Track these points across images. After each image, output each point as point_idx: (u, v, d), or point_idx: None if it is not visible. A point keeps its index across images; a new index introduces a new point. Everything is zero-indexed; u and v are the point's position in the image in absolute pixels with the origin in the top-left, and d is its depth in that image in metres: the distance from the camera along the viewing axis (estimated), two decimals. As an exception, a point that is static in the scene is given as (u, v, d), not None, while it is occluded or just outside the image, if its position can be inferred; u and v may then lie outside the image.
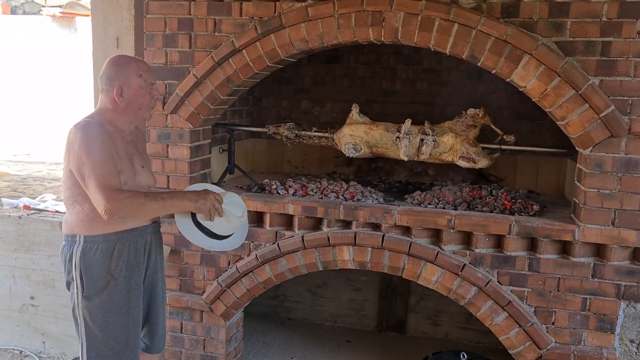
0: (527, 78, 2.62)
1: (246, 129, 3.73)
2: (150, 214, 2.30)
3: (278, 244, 3.02)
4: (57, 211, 3.77)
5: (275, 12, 2.87)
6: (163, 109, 3.06)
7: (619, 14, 2.51)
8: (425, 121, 3.19)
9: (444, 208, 3.00)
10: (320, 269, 3.03)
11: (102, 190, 2.12)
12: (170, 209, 2.30)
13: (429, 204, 3.12)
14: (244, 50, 2.93)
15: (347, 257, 2.96)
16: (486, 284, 2.78)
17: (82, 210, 2.29)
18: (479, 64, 2.71)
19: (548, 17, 2.58)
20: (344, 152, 3.27)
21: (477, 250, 2.81)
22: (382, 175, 4.06)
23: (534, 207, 3.09)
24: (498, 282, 2.79)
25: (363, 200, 3.15)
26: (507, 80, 2.73)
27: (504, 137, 3.11)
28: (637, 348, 2.76)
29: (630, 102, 2.55)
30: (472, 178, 3.92)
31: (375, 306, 4.15)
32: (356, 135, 3.21)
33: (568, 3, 2.56)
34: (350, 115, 3.29)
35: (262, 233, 3.08)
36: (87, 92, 3.92)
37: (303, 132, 3.38)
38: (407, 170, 4.05)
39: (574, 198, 2.85)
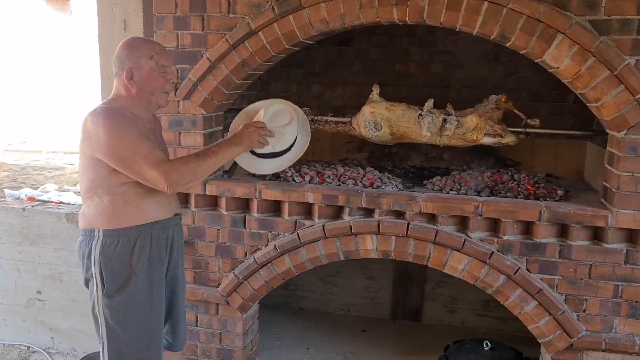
0: (559, 58, 2.52)
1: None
2: (209, 171, 2.23)
3: (298, 233, 2.92)
4: (61, 202, 3.64)
5: (293, -9, 2.73)
6: (175, 94, 2.92)
7: (657, -11, 2.41)
8: (448, 103, 3.09)
9: (466, 194, 2.91)
10: (342, 258, 2.93)
11: (155, 167, 2.06)
12: (224, 159, 2.27)
13: (451, 189, 3.04)
14: (260, 32, 2.80)
15: (370, 247, 2.86)
16: (515, 272, 2.70)
17: (101, 203, 2.17)
18: (508, 45, 2.60)
19: (582, -6, 2.48)
20: (363, 133, 3.15)
21: (505, 238, 2.72)
22: (395, 160, 3.96)
23: (559, 192, 3.02)
24: (527, 269, 2.71)
25: (383, 186, 3.05)
26: (536, 61, 2.63)
27: (528, 120, 3.00)
28: (669, 335, 2.70)
29: (668, 83, 2.45)
30: (489, 163, 3.84)
31: (390, 294, 4.07)
32: (377, 113, 3.09)
33: (603, -20, 2.45)
34: (371, 96, 3.17)
35: (281, 222, 2.97)
36: (84, 79, 3.78)
37: (319, 118, 3.26)
38: (421, 155, 3.95)
39: (604, 182, 2.76)
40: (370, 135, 3.13)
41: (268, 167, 2.47)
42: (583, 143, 3.62)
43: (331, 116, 3.28)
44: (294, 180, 3.12)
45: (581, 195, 3.07)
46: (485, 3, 2.53)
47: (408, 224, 2.79)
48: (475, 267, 2.75)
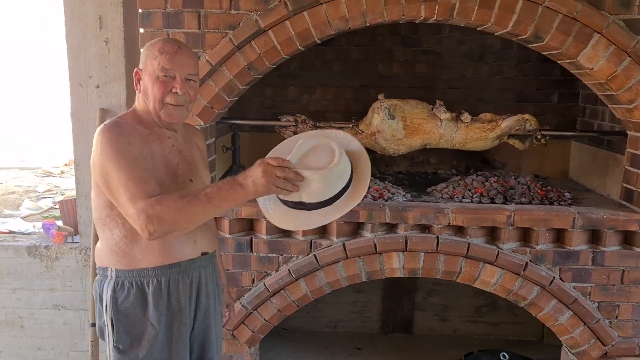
0: (595, 59, 2.42)
1: (255, 123, 3.25)
2: (197, 220, 1.65)
3: (315, 255, 2.62)
4: (10, 231, 3.08)
5: (307, -14, 2.43)
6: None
7: (690, -11, 2.37)
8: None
9: (493, 202, 2.77)
10: (364, 279, 2.68)
11: (134, 202, 1.59)
12: (222, 206, 1.62)
13: (463, 197, 2.88)
14: (270, 31, 2.47)
15: (396, 265, 2.63)
16: (550, 283, 2.58)
17: (111, 237, 1.79)
18: (541, 44, 2.47)
19: (616, -7, 2.39)
20: (374, 122, 2.93)
21: (537, 247, 2.60)
22: (380, 166, 3.76)
23: (566, 194, 2.96)
24: (560, 279, 2.61)
25: (393, 197, 2.84)
26: (568, 61, 2.52)
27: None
28: (695, 335, 2.71)
29: (699, 83, 2.43)
30: (476, 165, 3.75)
31: (379, 307, 3.87)
32: (391, 104, 2.91)
33: (637, -23, 2.38)
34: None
35: (294, 244, 2.66)
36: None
37: (321, 125, 2.98)
38: (407, 160, 3.78)
39: (625, 185, 2.72)
40: (382, 123, 2.88)
41: (293, 221, 1.66)
42: (568, 143, 3.62)
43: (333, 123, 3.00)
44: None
45: (585, 197, 3.04)
46: (521, 1, 2.38)
47: (438, 238, 2.59)
48: (508, 280, 2.60)
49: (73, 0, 2.53)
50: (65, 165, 6.05)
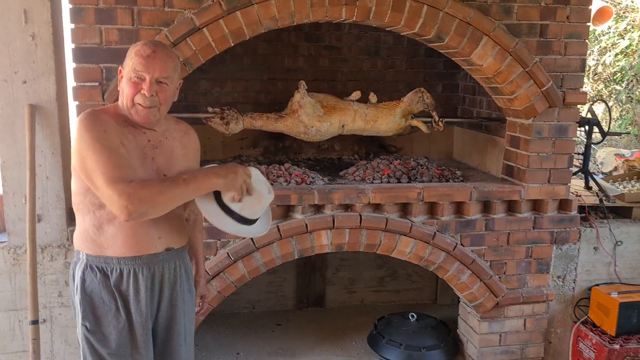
0: (484, 57, 2.87)
1: (183, 115, 3.30)
2: (174, 202, 1.80)
3: (251, 238, 2.82)
4: None
5: (238, -13, 2.61)
6: (103, 99, 2.56)
7: (554, 1, 2.90)
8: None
9: (388, 182, 3.15)
10: (296, 257, 2.94)
11: (112, 184, 1.70)
12: (197, 192, 1.83)
13: (374, 179, 3.24)
14: (205, 29, 2.61)
15: (325, 242, 2.92)
16: (454, 248, 3.03)
17: (83, 223, 1.91)
18: (442, 44, 2.87)
19: (500, 2, 2.85)
20: (295, 98, 3.21)
21: (443, 219, 3.03)
22: (290, 154, 4.02)
23: (457, 172, 3.44)
24: (461, 244, 3.07)
25: (316, 182, 3.12)
26: (463, 59, 2.96)
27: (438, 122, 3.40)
28: (562, 282, 3.33)
29: (562, 76, 2.99)
30: (375, 150, 4.15)
31: (294, 285, 4.14)
32: (312, 94, 3.24)
33: (516, -11, 2.86)
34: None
35: (230, 229, 2.83)
36: None
37: (248, 116, 3.16)
38: (314, 148, 4.07)
39: (507, 162, 3.23)
40: (304, 102, 3.18)
41: (231, 225, 1.94)
42: (451, 128, 4.14)
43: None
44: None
45: (471, 174, 3.55)
46: (425, 6, 2.75)
47: (360, 215, 2.92)
48: (421, 249, 3.00)
49: (-6, -7, 2.46)
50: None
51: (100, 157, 1.74)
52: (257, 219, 2.00)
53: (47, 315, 2.81)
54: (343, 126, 3.27)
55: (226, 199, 1.89)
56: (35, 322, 2.59)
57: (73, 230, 1.99)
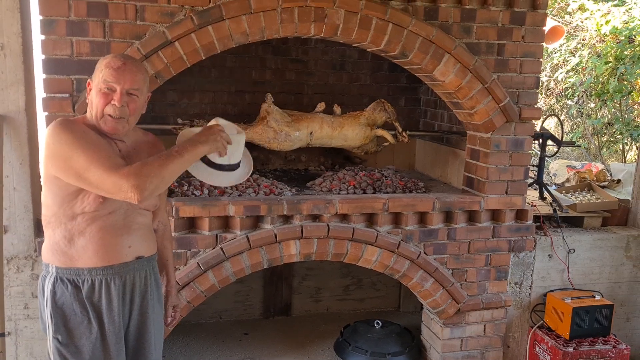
0: (446, 74, 3.01)
1: (151, 127, 3.32)
2: (175, 174, 1.90)
3: (222, 247, 2.86)
4: None
5: (210, 2, 2.67)
6: (74, 110, 2.58)
7: (510, 21, 3.07)
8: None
9: (354, 193, 3.24)
10: (265, 266, 2.99)
11: (114, 170, 1.78)
12: (190, 160, 1.93)
13: (340, 190, 3.33)
14: (176, 42, 2.66)
15: (294, 251, 2.98)
16: (418, 257, 3.14)
17: (53, 236, 1.94)
18: (406, 60, 3.00)
19: (460, 22, 3.00)
20: (263, 107, 3.31)
21: (407, 228, 3.14)
22: (257, 165, 4.07)
23: (420, 184, 3.57)
24: (425, 253, 3.18)
25: (284, 193, 3.19)
26: (426, 74, 3.09)
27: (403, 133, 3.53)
28: (519, 288, 3.48)
29: (518, 93, 3.15)
30: (340, 161, 4.24)
31: (261, 294, 4.18)
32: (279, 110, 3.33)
33: (474, 10, 3.01)
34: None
35: (200, 239, 2.86)
36: None
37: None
38: (281, 159, 4.14)
39: (468, 174, 3.37)
40: (272, 109, 3.28)
41: (225, 179, 2.15)
42: (413, 140, 4.28)
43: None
44: (194, 194, 3.02)
45: (433, 185, 3.69)
46: (390, 25, 2.87)
47: (328, 225, 3.00)
48: (386, 257, 3.10)
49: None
50: None
51: (89, 152, 1.80)
52: (240, 161, 2.19)
53: (12, 327, 2.78)
54: (311, 133, 3.36)
55: (215, 158, 2.05)
56: (1, 335, 2.56)
57: (41, 242, 2.01)
